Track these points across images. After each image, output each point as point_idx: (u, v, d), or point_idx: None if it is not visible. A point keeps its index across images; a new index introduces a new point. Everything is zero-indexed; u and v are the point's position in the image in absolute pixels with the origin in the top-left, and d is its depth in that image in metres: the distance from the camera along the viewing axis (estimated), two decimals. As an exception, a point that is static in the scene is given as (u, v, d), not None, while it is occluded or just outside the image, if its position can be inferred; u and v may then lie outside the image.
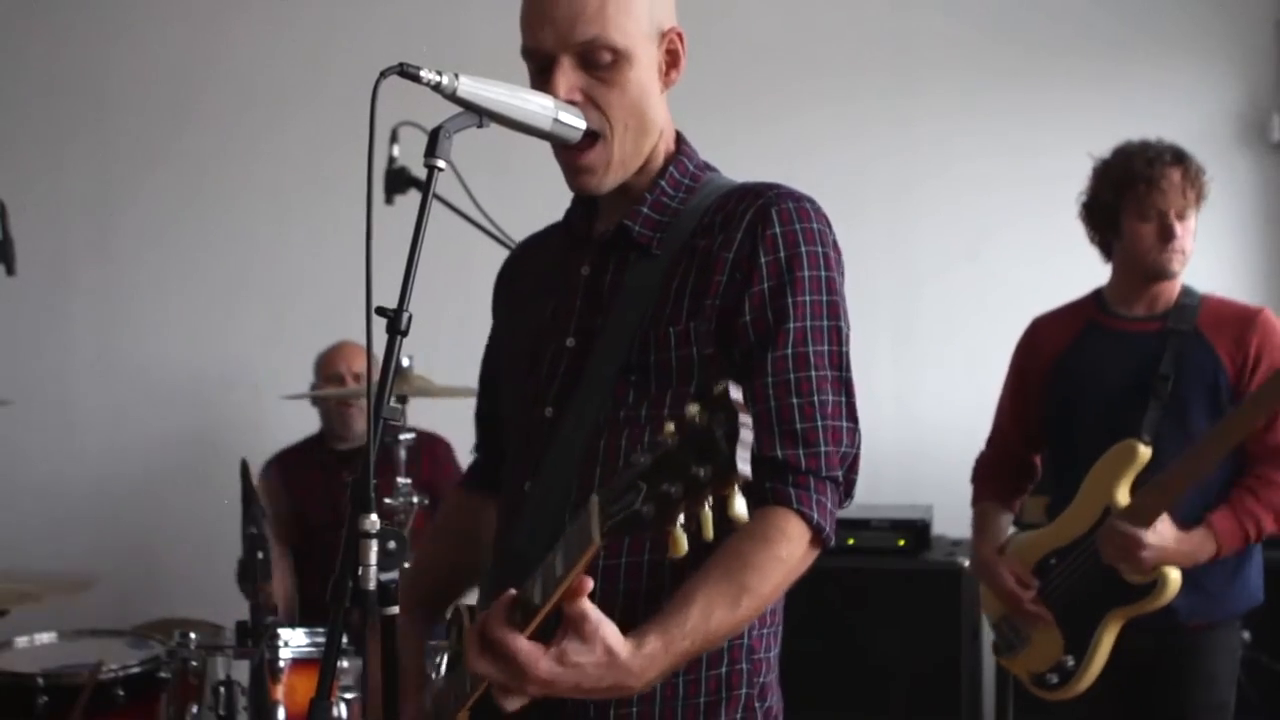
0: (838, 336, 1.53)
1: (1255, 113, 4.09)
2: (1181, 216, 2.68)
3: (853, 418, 1.53)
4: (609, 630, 1.33)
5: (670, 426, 1.15)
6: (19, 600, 2.94)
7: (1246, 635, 3.12)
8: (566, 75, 1.51)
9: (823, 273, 1.52)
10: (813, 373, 1.50)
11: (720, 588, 1.41)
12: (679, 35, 1.59)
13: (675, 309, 1.52)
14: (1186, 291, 2.75)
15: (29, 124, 4.63)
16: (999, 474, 2.96)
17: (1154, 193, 2.67)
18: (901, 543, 3.76)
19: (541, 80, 1.54)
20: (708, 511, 1.14)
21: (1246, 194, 4.10)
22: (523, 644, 1.32)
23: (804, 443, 1.48)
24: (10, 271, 3.02)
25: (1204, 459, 2.55)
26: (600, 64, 1.52)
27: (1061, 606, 2.73)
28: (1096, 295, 2.86)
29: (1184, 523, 2.58)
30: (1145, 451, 2.62)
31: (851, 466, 1.53)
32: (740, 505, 1.12)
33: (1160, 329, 2.71)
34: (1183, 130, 3.94)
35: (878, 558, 3.63)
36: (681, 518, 1.14)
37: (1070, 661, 2.70)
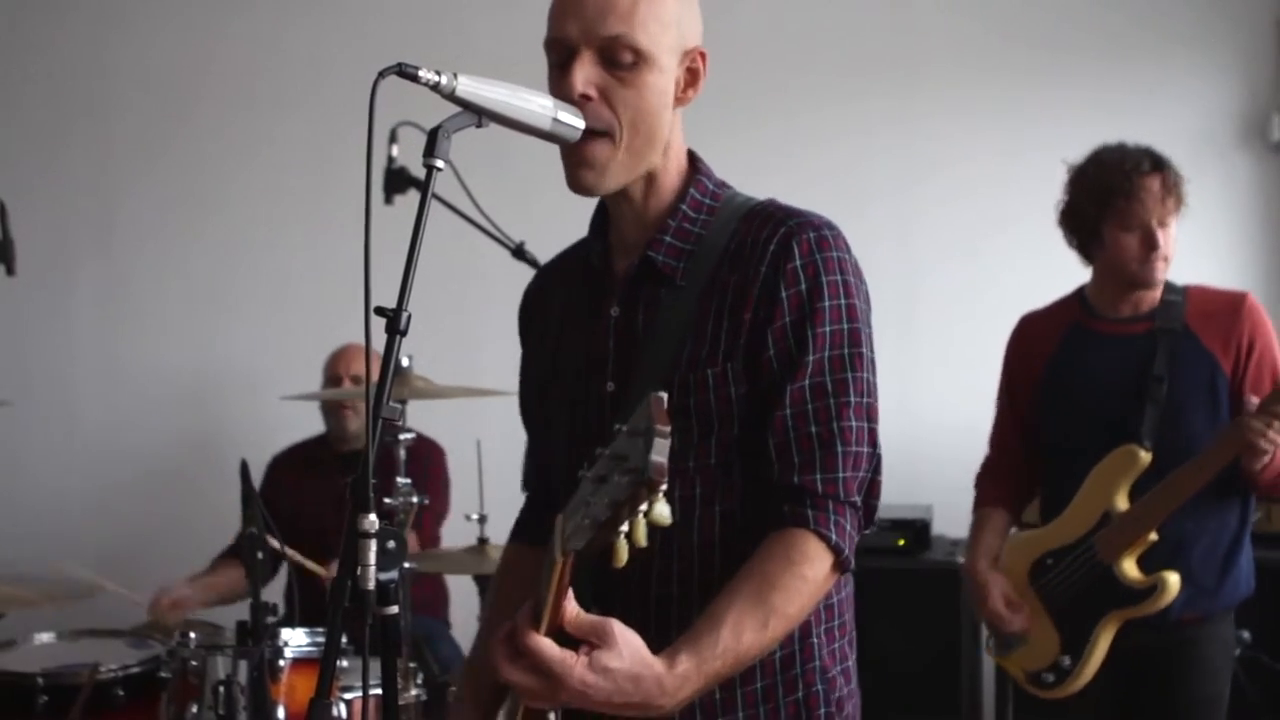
0: (859, 363, 1.53)
1: (1255, 112, 4.09)
2: (1163, 224, 2.66)
3: (873, 442, 1.54)
4: (637, 641, 1.35)
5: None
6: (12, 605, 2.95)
7: (1246, 635, 3.12)
8: (585, 69, 1.50)
9: (843, 301, 1.52)
10: (831, 400, 1.50)
11: (749, 609, 1.42)
12: (702, 55, 1.58)
13: (712, 350, 1.52)
14: (1170, 288, 2.73)
15: (29, 124, 4.64)
16: (1002, 477, 2.93)
17: (1135, 204, 2.65)
18: (901, 542, 3.76)
19: (560, 74, 1.52)
20: (640, 520, 1.17)
21: (1246, 194, 4.10)
22: (555, 650, 1.31)
23: (821, 469, 1.49)
24: (10, 272, 3.02)
25: (1208, 467, 2.55)
26: (621, 63, 1.50)
27: (1058, 607, 2.73)
28: (1080, 297, 2.85)
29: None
30: (1145, 457, 2.62)
31: (870, 491, 1.54)
32: (661, 509, 1.16)
33: (1149, 329, 2.70)
34: (1183, 129, 3.97)
35: (878, 557, 3.62)
36: (625, 527, 1.17)
37: (1067, 661, 2.70)
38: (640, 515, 1.16)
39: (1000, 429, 2.96)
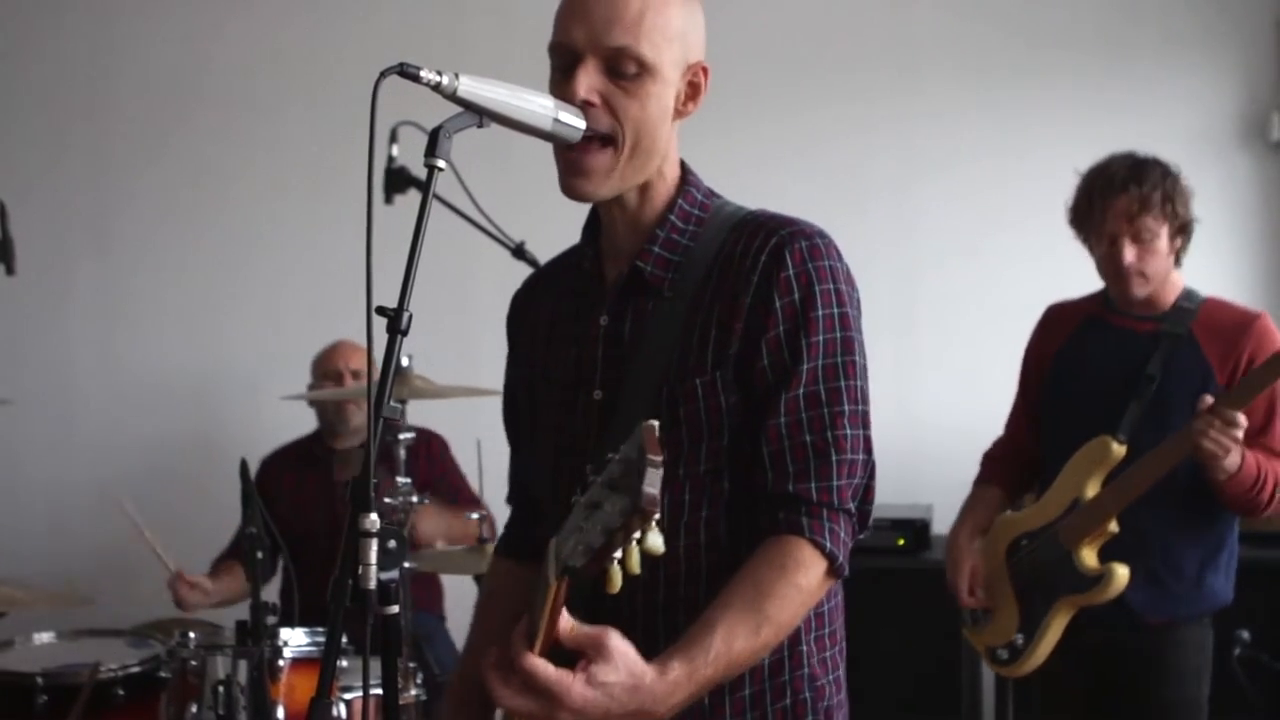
0: (853, 370, 1.53)
1: (1255, 112, 4.09)
2: (1138, 239, 2.67)
3: (867, 450, 1.54)
4: (631, 652, 1.35)
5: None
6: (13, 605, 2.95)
7: (1246, 635, 3.13)
8: (589, 76, 1.50)
9: (835, 310, 1.53)
10: (825, 409, 1.51)
11: (741, 616, 1.42)
12: (704, 70, 1.58)
13: (699, 359, 1.53)
14: (1188, 294, 2.75)
15: (28, 125, 4.63)
16: (1005, 459, 2.98)
17: (1102, 222, 2.70)
18: (901, 542, 3.77)
19: (563, 79, 1.53)
20: (634, 548, 1.18)
21: (1246, 193, 4.10)
22: (552, 671, 1.31)
23: (816, 477, 1.50)
24: (10, 271, 3.03)
25: (1162, 462, 2.58)
26: (624, 73, 1.51)
27: (1021, 587, 2.78)
28: (1105, 291, 2.87)
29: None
30: (1119, 449, 2.65)
31: (864, 498, 1.54)
32: (654, 539, 1.17)
33: (1155, 329, 2.72)
34: (1183, 129, 3.98)
35: (877, 557, 3.62)
36: (618, 554, 1.19)
37: (1020, 640, 2.76)
38: (634, 543, 1.17)
39: (1013, 414, 3.01)
